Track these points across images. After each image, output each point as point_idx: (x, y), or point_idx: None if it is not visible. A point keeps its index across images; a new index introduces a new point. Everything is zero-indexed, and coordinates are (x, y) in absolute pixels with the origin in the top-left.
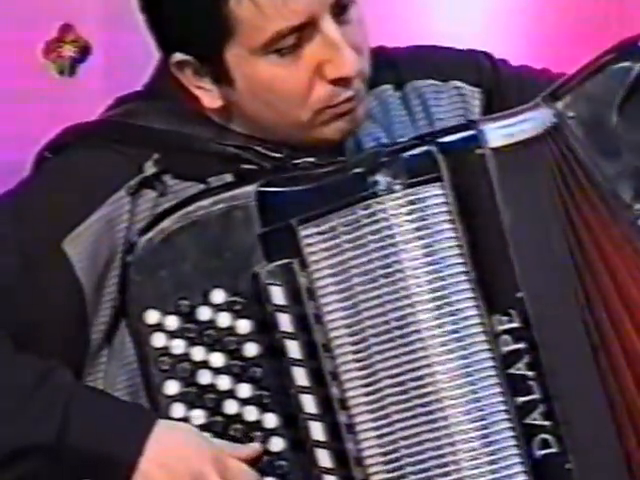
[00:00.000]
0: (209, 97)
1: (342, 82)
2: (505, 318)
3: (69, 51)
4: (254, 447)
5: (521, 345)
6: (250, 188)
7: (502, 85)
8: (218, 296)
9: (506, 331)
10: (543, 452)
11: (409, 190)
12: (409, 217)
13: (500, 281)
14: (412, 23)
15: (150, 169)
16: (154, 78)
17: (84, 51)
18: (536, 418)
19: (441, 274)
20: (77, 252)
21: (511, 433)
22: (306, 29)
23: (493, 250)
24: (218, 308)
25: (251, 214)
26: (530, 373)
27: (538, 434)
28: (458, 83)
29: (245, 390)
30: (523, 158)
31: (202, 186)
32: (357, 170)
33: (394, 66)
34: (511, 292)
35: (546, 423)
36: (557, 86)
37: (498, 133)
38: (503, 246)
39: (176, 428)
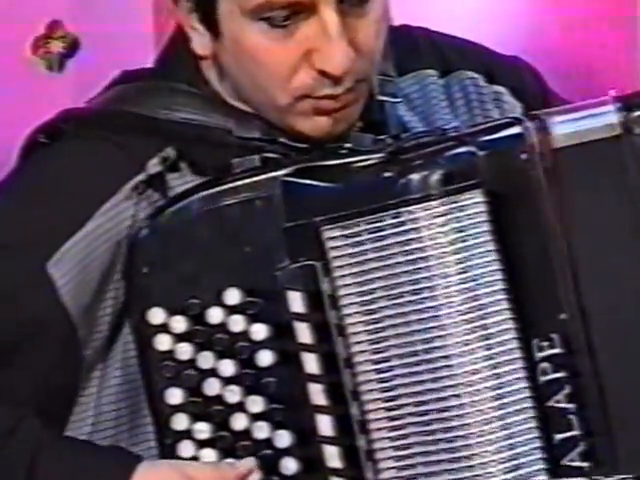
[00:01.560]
0: (200, 42)
1: (328, 77)
2: (546, 344)
3: (57, 47)
4: (245, 464)
5: (562, 374)
6: (276, 174)
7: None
8: (232, 296)
9: (546, 358)
10: None
11: (445, 198)
12: (443, 229)
13: (542, 302)
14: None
15: (154, 167)
16: (166, 55)
17: (73, 47)
18: (574, 459)
19: (476, 293)
20: (62, 274)
21: (546, 476)
22: (305, 8)
23: (536, 267)
24: (231, 310)
25: (275, 205)
26: (570, 406)
27: (576, 477)
28: (501, 89)
29: (256, 404)
30: (587, 162)
31: None
32: (387, 174)
33: (440, 52)
34: (554, 314)
35: (585, 464)
36: (633, 95)
37: (559, 129)
38: (547, 263)
39: (159, 473)
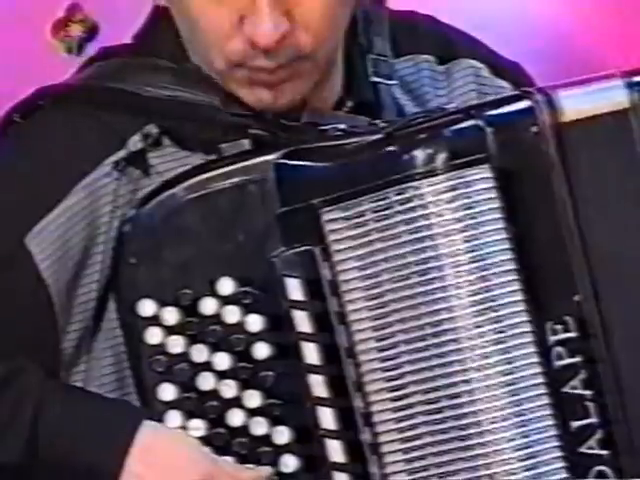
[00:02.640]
0: None
1: (257, 47)
2: (560, 327)
3: (77, 30)
4: (263, 471)
5: (577, 359)
6: (269, 158)
7: None
8: (226, 286)
9: (560, 342)
10: None
11: (452, 173)
12: (450, 205)
13: (555, 283)
14: None
15: (137, 144)
16: (147, 30)
17: (92, 30)
18: (592, 446)
19: (486, 273)
20: (42, 249)
21: (562, 464)
22: None
23: (548, 246)
24: (225, 300)
25: (269, 190)
26: (587, 392)
27: (594, 466)
28: (505, 84)
29: (253, 398)
30: (597, 136)
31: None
32: (392, 148)
33: (445, 40)
34: (567, 295)
35: (604, 452)
36: None
37: (566, 103)
38: (560, 242)
39: (166, 433)
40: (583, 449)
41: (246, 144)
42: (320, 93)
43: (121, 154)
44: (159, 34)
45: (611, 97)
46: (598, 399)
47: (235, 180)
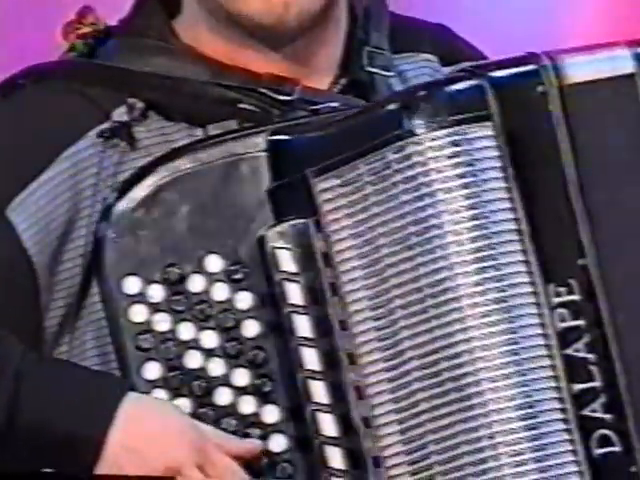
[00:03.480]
0: None
1: None
2: (563, 289)
3: (88, 33)
4: (253, 443)
5: (581, 322)
6: (259, 138)
7: None
8: (215, 263)
9: (563, 304)
10: (602, 451)
11: (454, 128)
12: (452, 161)
13: (559, 245)
14: None
15: (122, 116)
16: (136, 11)
17: (103, 33)
18: (596, 409)
19: (488, 231)
20: (24, 219)
21: (564, 426)
22: None
23: (553, 208)
24: (214, 278)
25: (259, 166)
26: (590, 356)
27: (597, 429)
28: None
29: (242, 376)
30: (603, 100)
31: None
32: (390, 107)
33: (450, 46)
34: (572, 259)
35: (607, 416)
36: None
37: (573, 68)
38: (566, 203)
39: (152, 403)
40: (586, 412)
41: (233, 124)
42: (317, 62)
43: (106, 125)
44: (148, 16)
45: (617, 64)
46: (602, 363)
47: (224, 157)
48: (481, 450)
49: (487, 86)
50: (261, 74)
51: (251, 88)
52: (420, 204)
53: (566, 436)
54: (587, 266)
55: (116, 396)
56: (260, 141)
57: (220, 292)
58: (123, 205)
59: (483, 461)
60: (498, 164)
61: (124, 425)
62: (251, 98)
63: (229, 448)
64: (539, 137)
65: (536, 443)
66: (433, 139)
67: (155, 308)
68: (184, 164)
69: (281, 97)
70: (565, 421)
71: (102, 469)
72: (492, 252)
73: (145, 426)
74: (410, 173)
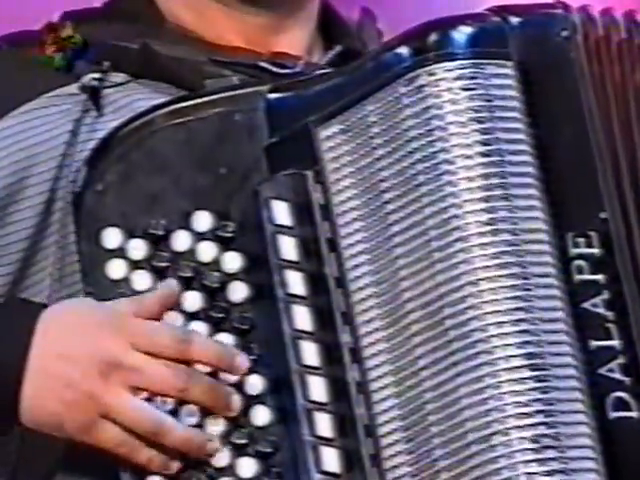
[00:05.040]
0: None
1: None
2: (582, 240)
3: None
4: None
5: (600, 277)
6: (259, 88)
7: None
8: (203, 220)
9: (582, 256)
10: (617, 414)
11: (470, 60)
12: (467, 93)
13: (579, 195)
14: None
15: (92, 82)
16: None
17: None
18: (613, 369)
19: (501, 170)
20: None
21: (577, 384)
22: None
23: (573, 157)
24: (201, 236)
25: (257, 120)
26: (609, 314)
27: (613, 391)
28: None
29: (225, 341)
30: (628, 55)
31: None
32: (399, 50)
33: None
34: (593, 210)
35: (625, 379)
36: None
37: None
38: (587, 154)
39: (63, 309)
40: (602, 371)
41: (234, 80)
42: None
43: (86, 80)
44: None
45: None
46: (621, 321)
47: (220, 109)
48: (485, 401)
49: (511, 24)
50: (261, 52)
51: (252, 64)
52: (430, 138)
53: (578, 395)
54: (608, 220)
55: (31, 318)
56: (259, 94)
57: (206, 251)
58: (112, 152)
59: (487, 413)
60: (517, 105)
61: (45, 337)
62: (246, 73)
63: (139, 308)
64: (561, 83)
65: (545, 396)
66: (449, 69)
67: (135, 265)
68: (178, 117)
69: (283, 71)
70: (578, 379)
71: (32, 383)
72: (506, 192)
73: (65, 331)
74: (421, 106)
